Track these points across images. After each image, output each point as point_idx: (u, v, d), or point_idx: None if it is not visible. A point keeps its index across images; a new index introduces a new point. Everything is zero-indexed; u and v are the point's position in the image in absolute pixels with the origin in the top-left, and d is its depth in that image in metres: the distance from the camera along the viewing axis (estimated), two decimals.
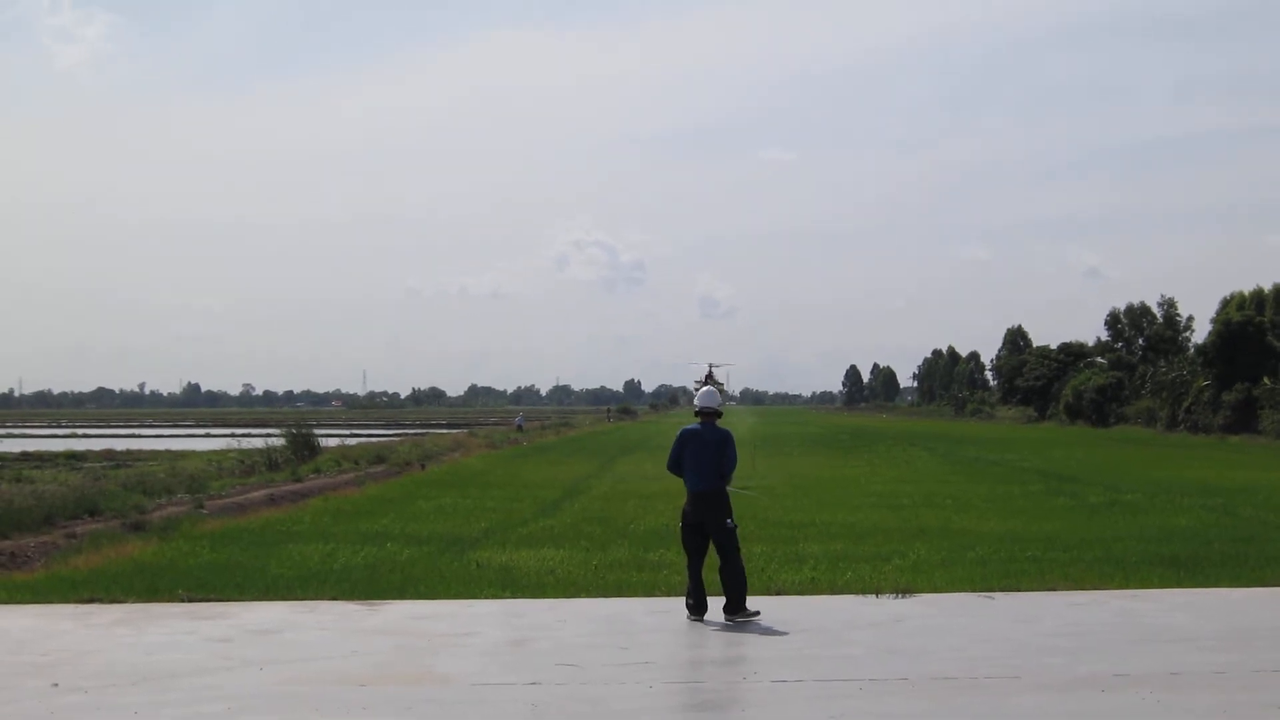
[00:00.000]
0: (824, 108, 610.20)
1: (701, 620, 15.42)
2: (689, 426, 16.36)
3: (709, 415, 16.27)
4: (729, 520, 15.60)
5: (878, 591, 17.25)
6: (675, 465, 16.27)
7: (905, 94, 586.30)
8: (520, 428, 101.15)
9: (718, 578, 15.65)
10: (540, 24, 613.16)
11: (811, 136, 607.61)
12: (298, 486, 37.64)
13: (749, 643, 14.07)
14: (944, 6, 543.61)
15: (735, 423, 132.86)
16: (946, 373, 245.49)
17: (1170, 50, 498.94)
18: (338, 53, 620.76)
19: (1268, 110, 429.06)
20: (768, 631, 14.65)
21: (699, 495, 15.81)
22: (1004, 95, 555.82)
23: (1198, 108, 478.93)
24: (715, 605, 15.47)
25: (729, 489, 15.99)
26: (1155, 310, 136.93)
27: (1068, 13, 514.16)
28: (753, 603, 15.71)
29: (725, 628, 14.92)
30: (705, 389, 16.82)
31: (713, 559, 15.82)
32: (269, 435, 51.64)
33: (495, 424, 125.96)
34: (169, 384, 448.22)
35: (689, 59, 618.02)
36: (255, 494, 34.43)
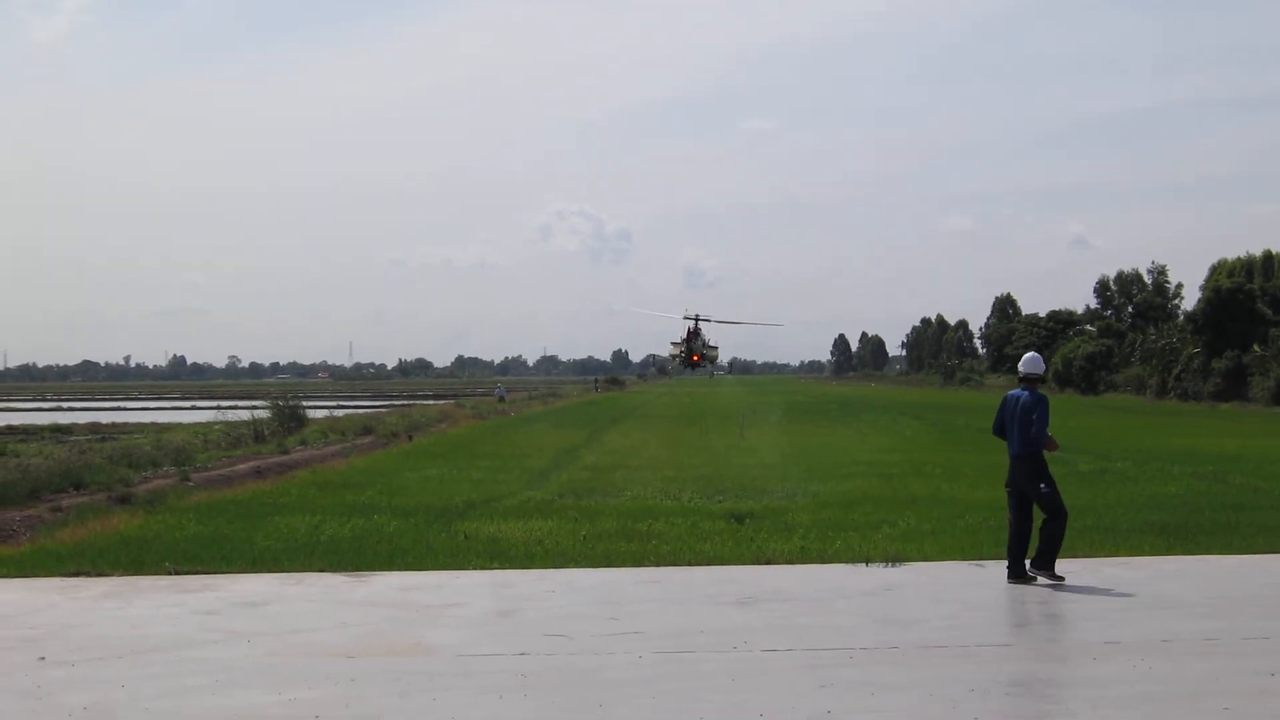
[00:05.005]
0: (804, 78, 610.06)
1: (1020, 582, 15.61)
2: (1012, 391, 16.66)
3: (1030, 381, 16.50)
4: (1042, 485, 15.84)
5: (868, 560, 17.24)
6: (999, 430, 16.66)
7: (887, 63, 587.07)
8: (501, 398, 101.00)
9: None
10: None
11: (792, 107, 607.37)
12: (284, 458, 37.56)
13: (739, 612, 14.02)
14: None
15: (723, 392, 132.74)
16: (935, 341, 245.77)
17: (1155, 20, 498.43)
18: (320, 25, 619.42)
19: (1253, 80, 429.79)
20: (757, 601, 14.61)
21: (1013, 459, 16.20)
22: (988, 64, 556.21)
23: (1183, 77, 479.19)
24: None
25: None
26: (1145, 277, 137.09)
27: None
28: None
29: (718, 598, 14.86)
30: (1030, 355, 17.03)
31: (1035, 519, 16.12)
32: (255, 407, 51.54)
33: (482, 394, 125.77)
34: (154, 356, 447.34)
35: (669, 29, 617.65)
36: (241, 466, 34.35)
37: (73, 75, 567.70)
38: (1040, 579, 15.60)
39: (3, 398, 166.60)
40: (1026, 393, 16.27)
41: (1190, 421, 60.42)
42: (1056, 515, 15.73)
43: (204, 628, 13.42)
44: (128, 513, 22.92)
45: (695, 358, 25.99)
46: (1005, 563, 16.25)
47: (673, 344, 26.55)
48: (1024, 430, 16.00)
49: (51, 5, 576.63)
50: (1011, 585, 15.57)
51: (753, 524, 20.95)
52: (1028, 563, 15.82)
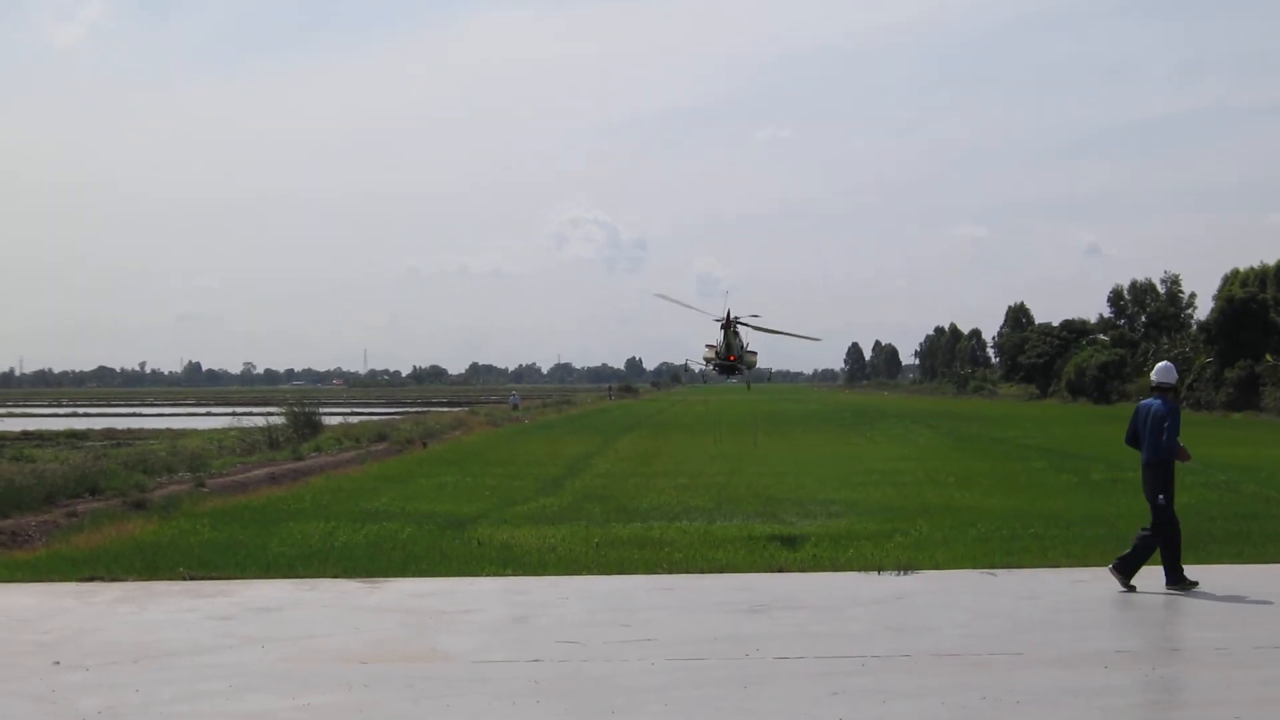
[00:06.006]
0: (820, 87, 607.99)
1: (1179, 588, 15.74)
2: (1145, 400, 16.86)
3: (1162, 390, 16.57)
4: (1161, 497, 16.01)
5: (880, 568, 17.24)
6: (1132, 438, 16.87)
7: (902, 71, 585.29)
8: (515, 406, 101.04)
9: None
10: (541, 6, 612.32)
11: (808, 116, 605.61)
12: (299, 465, 37.66)
13: (752, 620, 14.05)
14: None
15: (740, 401, 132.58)
16: (948, 350, 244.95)
17: (1171, 28, 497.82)
18: (337, 31, 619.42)
19: (1268, 89, 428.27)
20: (770, 608, 14.63)
21: (1143, 466, 16.46)
22: (1003, 73, 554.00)
23: (1198, 86, 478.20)
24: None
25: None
26: (1159, 287, 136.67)
27: None
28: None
29: (730, 605, 14.89)
30: (1163, 364, 17.13)
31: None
32: (270, 414, 51.54)
33: (496, 402, 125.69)
34: (170, 363, 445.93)
35: (684, 38, 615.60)
36: (256, 472, 34.43)
37: (91, 81, 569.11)
38: (1122, 582, 15.73)
39: (19, 404, 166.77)
40: (1159, 401, 16.41)
41: (1202, 431, 60.18)
42: (1160, 531, 15.90)
43: (218, 633, 13.47)
44: (143, 518, 23.00)
45: (731, 357, 24.08)
46: (1017, 570, 16.31)
47: (708, 345, 24.98)
48: (1155, 438, 16.18)
49: (71, 11, 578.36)
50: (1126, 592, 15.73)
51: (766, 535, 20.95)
52: (1113, 565, 16.00)
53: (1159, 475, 16.13)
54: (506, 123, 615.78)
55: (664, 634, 13.27)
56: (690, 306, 25.32)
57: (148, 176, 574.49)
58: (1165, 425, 16.08)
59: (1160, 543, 15.91)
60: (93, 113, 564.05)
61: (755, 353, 26.35)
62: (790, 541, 20.00)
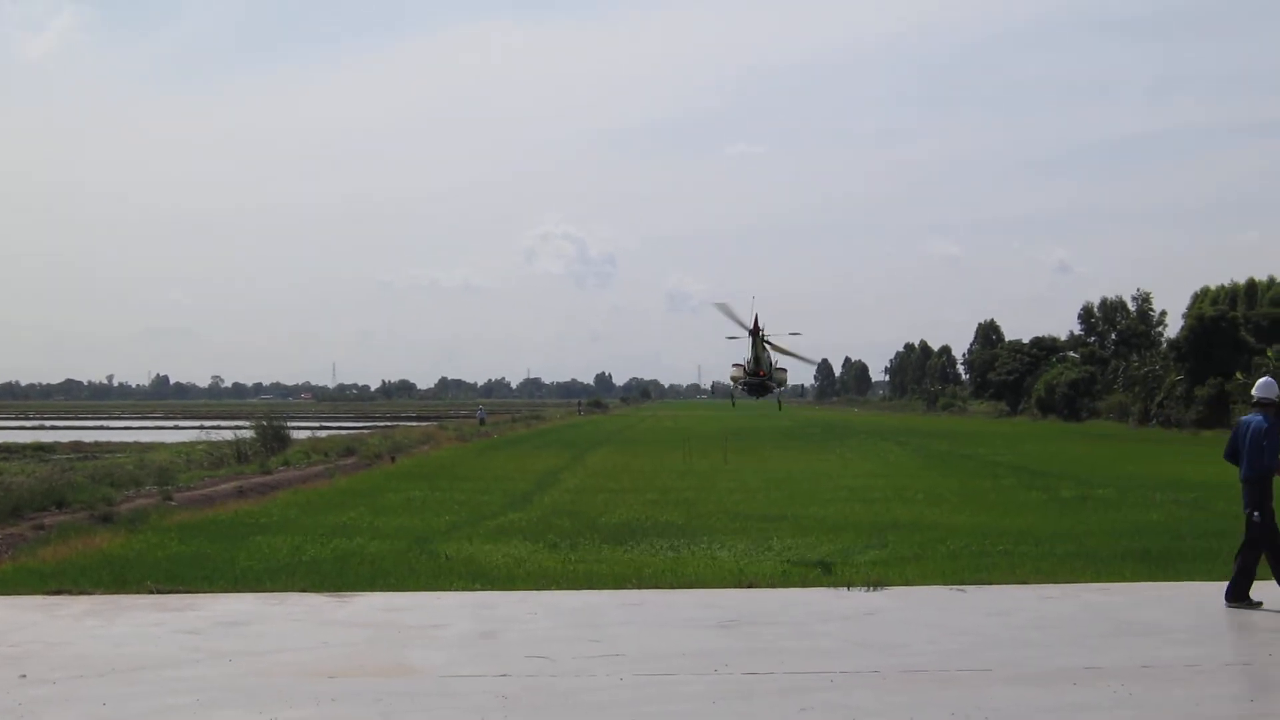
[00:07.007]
0: (792, 102, 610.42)
1: (1231, 604, 15.76)
2: (1244, 417, 16.79)
3: (1264, 406, 16.46)
4: (1255, 513, 15.95)
5: (849, 584, 17.23)
6: (1231, 454, 16.78)
7: (875, 88, 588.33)
8: (482, 420, 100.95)
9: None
10: (512, 19, 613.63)
11: (780, 131, 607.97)
12: (267, 479, 37.50)
13: (721, 635, 14.03)
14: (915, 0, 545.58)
15: (710, 416, 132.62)
16: (919, 367, 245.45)
17: (1145, 48, 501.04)
18: (309, 47, 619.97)
19: (1240, 108, 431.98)
20: (739, 624, 14.62)
21: (1241, 481, 16.38)
22: (976, 90, 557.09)
23: (1171, 105, 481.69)
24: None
25: None
26: (1129, 304, 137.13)
27: (1042, 8, 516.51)
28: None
29: (700, 621, 14.87)
30: (1265, 379, 16.88)
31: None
32: (238, 427, 51.40)
33: (465, 416, 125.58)
34: (137, 376, 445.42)
35: (657, 53, 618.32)
36: (224, 486, 34.28)
37: (61, 93, 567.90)
38: (1231, 605, 15.72)
39: None
40: (1260, 417, 16.36)
41: (1172, 449, 60.49)
42: (1256, 546, 15.88)
43: (186, 647, 13.39)
44: (110, 531, 22.86)
45: (761, 372, 22.03)
46: (986, 587, 16.31)
47: (735, 365, 23.20)
48: (1255, 454, 16.12)
49: (42, 23, 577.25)
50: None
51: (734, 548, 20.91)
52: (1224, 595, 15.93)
53: (1254, 492, 16.11)
54: (478, 137, 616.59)
55: (633, 649, 13.25)
56: (739, 321, 24.29)
57: (116, 188, 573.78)
58: (1265, 443, 16.05)
59: (1253, 555, 15.96)
60: (62, 125, 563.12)
61: (784, 369, 25.44)
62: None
